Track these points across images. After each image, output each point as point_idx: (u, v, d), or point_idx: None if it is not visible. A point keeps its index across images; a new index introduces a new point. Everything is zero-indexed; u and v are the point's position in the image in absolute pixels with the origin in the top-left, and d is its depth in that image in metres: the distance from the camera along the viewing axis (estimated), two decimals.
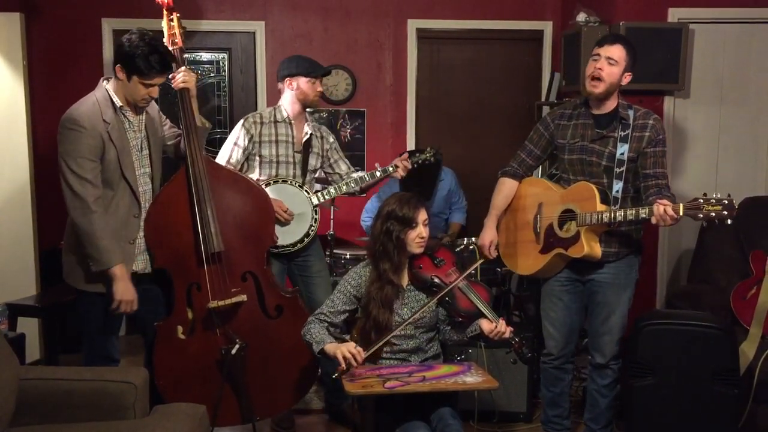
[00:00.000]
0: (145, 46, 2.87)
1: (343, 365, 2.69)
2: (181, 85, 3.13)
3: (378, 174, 3.63)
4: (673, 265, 4.88)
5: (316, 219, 3.61)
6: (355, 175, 3.72)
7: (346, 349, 2.70)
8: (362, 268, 3.04)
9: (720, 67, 4.72)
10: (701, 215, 2.86)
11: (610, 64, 3.15)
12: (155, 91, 2.98)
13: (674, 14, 4.60)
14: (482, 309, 2.91)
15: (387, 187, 4.51)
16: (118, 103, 2.97)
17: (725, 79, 4.73)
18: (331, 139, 3.83)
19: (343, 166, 3.83)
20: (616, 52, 3.16)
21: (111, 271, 2.89)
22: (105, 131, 2.90)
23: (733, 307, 3.78)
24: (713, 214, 2.84)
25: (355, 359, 2.70)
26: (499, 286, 4.62)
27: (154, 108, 3.21)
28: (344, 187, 3.66)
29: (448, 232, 4.85)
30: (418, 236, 2.94)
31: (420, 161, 3.67)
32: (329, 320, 2.96)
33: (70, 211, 2.89)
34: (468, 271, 3.02)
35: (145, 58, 2.86)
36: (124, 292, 2.93)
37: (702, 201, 2.86)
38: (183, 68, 3.15)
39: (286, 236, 3.56)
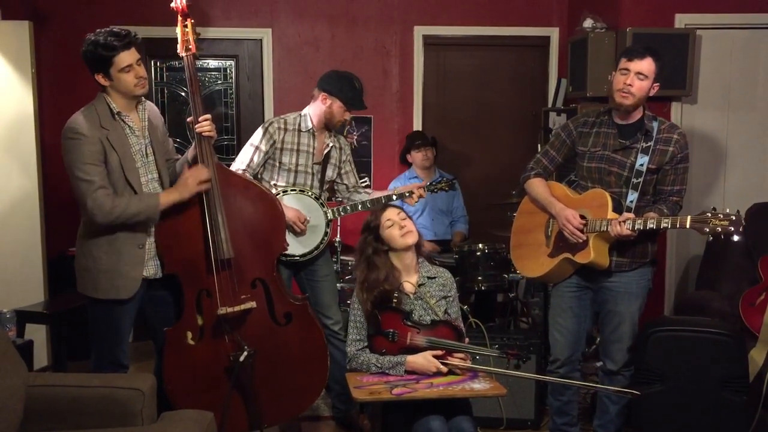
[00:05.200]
0: (97, 37, 2.94)
1: (444, 370, 2.84)
2: (207, 135, 3.12)
3: (394, 198, 3.63)
4: (681, 271, 4.86)
5: (327, 233, 3.62)
6: (371, 195, 3.71)
7: (435, 361, 2.84)
8: None
9: (727, 73, 4.71)
10: (707, 229, 2.84)
11: (639, 79, 3.06)
12: (142, 70, 2.98)
13: (681, 20, 4.60)
14: (457, 349, 2.91)
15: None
16: (116, 108, 2.98)
17: (733, 85, 4.72)
18: (348, 151, 3.83)
19: (351, 179, 3.83)
20: (646, 66, 3.05)
21: (162, 204, 2.94)
22: (104, 137, 2.91)
23: (742, 314, 3.76)
24: (719, 228, 2.82)
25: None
26: (506, 293, 4.62)
27: (158, 117, 3.21)
28: (360, 207, 3.66)
29: (451, 241, 4.87)
30: (398, 230, 2.99)
31: (437, 189, 3.77)
32: (367, 342, 2.98)
33: (92, 217, 2.87)
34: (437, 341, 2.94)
35: (104, 46, 2.91)
36: (191, 176, 3.00)
37: (710, 215, 2.85)
38: (209, 116, 3.13)
39: (297, 246, 3.56)
